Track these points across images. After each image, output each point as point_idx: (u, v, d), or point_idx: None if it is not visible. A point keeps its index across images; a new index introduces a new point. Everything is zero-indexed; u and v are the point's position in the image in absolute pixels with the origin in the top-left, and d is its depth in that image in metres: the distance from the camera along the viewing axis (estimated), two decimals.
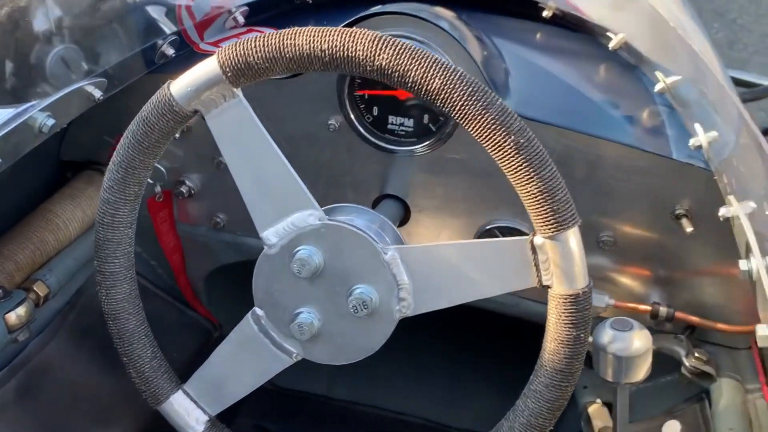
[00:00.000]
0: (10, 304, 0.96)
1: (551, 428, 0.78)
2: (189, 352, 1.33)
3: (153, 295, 1.32)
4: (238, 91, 0.75)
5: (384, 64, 0.68)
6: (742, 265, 0.82)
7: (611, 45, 1.11)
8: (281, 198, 0.79)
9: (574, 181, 0.90)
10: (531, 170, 0.68)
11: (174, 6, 1.14)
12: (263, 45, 0.71)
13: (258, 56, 0.71)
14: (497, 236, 1.08)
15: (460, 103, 0.67)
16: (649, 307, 1.05)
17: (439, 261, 0.77)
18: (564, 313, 0.72)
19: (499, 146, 0.68)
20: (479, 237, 1.09)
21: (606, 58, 1.14)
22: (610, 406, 1.14)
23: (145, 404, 0.90)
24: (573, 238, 0.70)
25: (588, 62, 1.15)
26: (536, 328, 1.32)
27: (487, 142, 0.69)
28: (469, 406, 1.58)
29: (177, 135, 0.85)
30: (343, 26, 0.71)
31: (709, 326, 1.03)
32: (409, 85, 0.68)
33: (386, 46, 0.68)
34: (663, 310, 1.04)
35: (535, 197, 0.69)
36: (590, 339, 0.84)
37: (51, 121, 0.88)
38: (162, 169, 1.18)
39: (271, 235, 0.80)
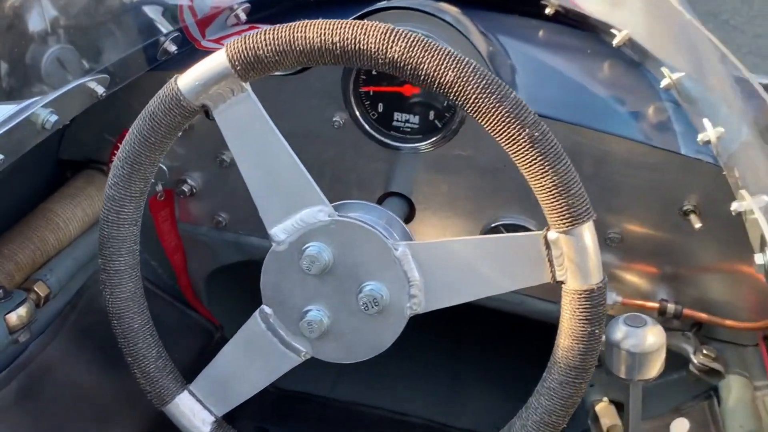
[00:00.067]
0: (10, 305, 0.94)
1: (564, 426, 0.77)
2: (190, 354, 1.31)
3: (153, 295, 1.30)
4: (247, 85, 0.74)
5: (396, 57, 0.67)
6: (758, 259, 0.81)
7: (615, 42, 1.11)
8: (290, 194, 0.77)
9: (581, 177, 0.89)
10: (546, 164, 0.67)
11: (173, 5, 1.12)
12: (273, 38, 0.70)
13: (268, 49, 0.70)
14: (503, 234, 1.07)
15: (474, 96, 0.66)
16: (656, 304, 1.04)
17: (451, 257, 0.76)
18: (579, 308, 0.71)
19: (514, 140, 0.67)
20: (485, 234, 1.08)
21: (610, 55, 1.14)
22: (617, 404, 1.13)
23: (148, 405, 0.89)
24: (588, 232, 0.69)
25: (592, 59, 1.15)
26: (538, 327, 1.32)
27: (500, 135, 0.68)
28: (471, 406, 1.57)
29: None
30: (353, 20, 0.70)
31: (717, 323, 1.02)
32: (422, 78, 0.67)
33: (398, 39, 0.67)
34: (671, 307, 1.04)
35: (550, 191, 0.68)
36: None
37: (54, 118, 0.86)
38: (163, 167, 1.17)
39: (280, 231, 0.79)
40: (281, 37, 0.69)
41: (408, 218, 1.11)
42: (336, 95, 1.05)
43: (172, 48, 1.08)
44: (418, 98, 1.03)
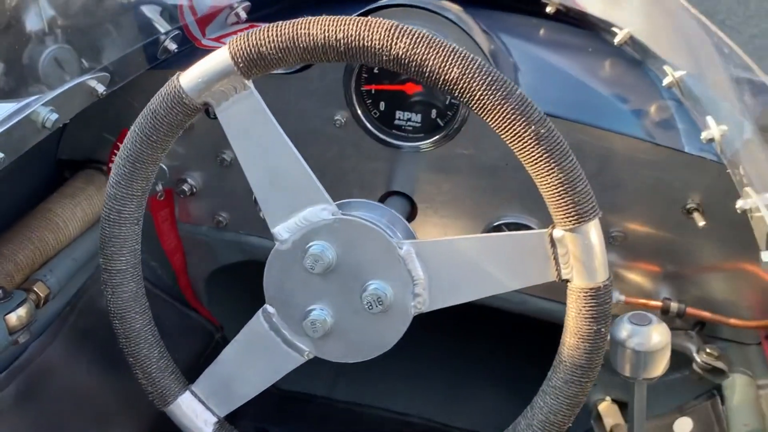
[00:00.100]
0: (10, 305, 0.93)
1: (570, 425, 0.77)
2: (190, 354, 1.31)
3: (153, 296, 1.29)
4: (250, 83, 0.73)
5: (401, 53, 0.66)
6: (764, 256, 0.81)
7: (617, 40, 1.11)
8: (293, 192, 0.77)
9: None
10: (551, 161, 0.67)
11: (171, 4, 1.12)
12: (276, 35, 0.69)
13: (271, 46, 0.69)
14: (508, 232, 1.07)
15: (479, 93, 0.66)
16: (659, 303, 1.04)
17: (455, 255, 0.76)
18: (584, 307, 0.71)
19: (519, 137, 0.67)
20: (487, 233, 1.08)
21: (611, 53, 1.14)
22: (619, 403, 1.13)
23: (148, 407, 0.88)
24: (594, 230, 0.69)
25: (593, 57, 1.14)
26: (540, 327, 1.32)
27: (506, 132, 0.67)
28: (472, 406, 1.56)
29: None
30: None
31: (721, 321, 1.02)
32: (427, 74, 0.67)
33: (403, 36, 0.66)
34: (674, 305, 1.03)
35: (556, 189, 0.67)
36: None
37: (54, 116, 0.86)
38: (163, 167, 1.16)
39: (283, 230, 0.78)
40: (284, 33, 0.69)
41: (410, 217, 1.11)
42: (337, 94, 1.04)
43: (173, 46, 1.07)
44: (420, 97, 1.03)
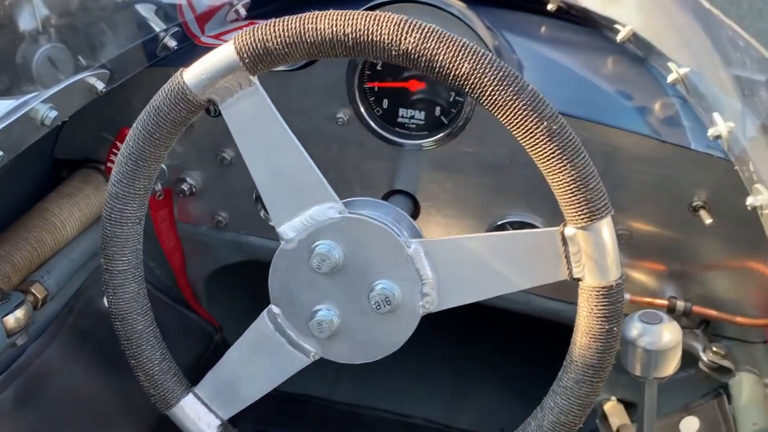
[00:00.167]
0: (8, 307, 0.91)
1: (581, 426, 0.75)
2: (190, 356, 1.29)
3: (152, 297, 1.26)
4: (255, 79, 0.72)
5: (410, 48, 0.65)
6: None
7: (619, 37, 1.10)
8: (299, 190, 0.76)
9: None
10: (564, 158, 0.66)
11: (167, 3, 1.10)
12: (283, 29, 0.68)
13: (277, 41, 0.68)
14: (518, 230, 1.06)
15: (491, 89, 0.65)
16: (665, 302, 1.03)
17: (464, 254, 0.74)
18: (597, 306, 0.69)
19: (531, 133, 0.65)
20: (491, 232, 1.07)
21: (613, 50, 1.13)
22: (625, 403, 1.12)
23: (148, 409, 0.87)
24: (606, 228, 0.68)
25: (597, 55, 1.14)
26: (542, 327, 1.31)
27: (517, 128, 0.66)
28: (474, 407, 1.55)
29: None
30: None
31: (727, 320, 1.01)
32: (437, 70, 0.66)
33: (412, 30, 0.65)
34: (680, 304, 1.02)
35: (568, 186, 0.66)
36: None
37: (53, 113, 0.84)
38: (163, 166, 1.14)
39: (289, 229, 0.77)
40: (291, 28, 0.68)
41: (413, 216, 1.09)
42: (340, 91, 1.03)
43: (172, 43, 1.05)
44: (423, 94, 1.02)
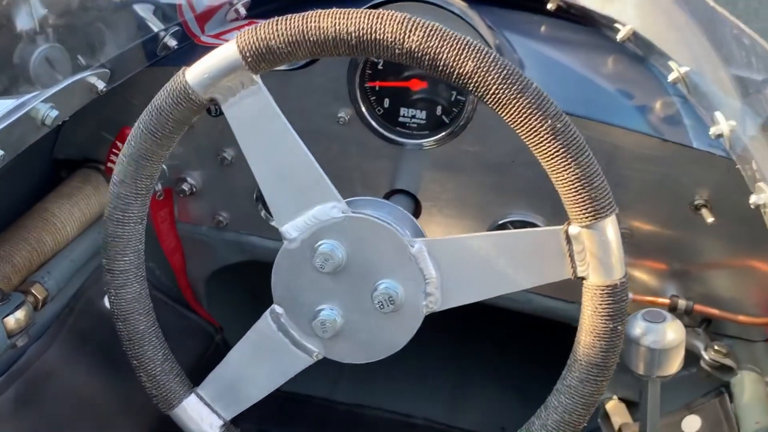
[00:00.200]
0: (8, 308, 0.91)
1: (585, 425, 0.75)
2: (190, 357, 1.29)
3: (152, 297, 1.27)
4: (258, 78, 0.72)
5: (414, 47, 0.65)
6: None
7: (619, 36, 1.10)
8: (302, 190, 0.75)
9: None
10: (568, 156, 0.65)
11: (165, 3, 1.10)
12: (286, 28, 0.67)
13: (280, 40, 0.68)
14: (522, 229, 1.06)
15: (495, 87, 0.65)
16: (667, 300, 1.03)
17: (468, 253, 0.74)
18: (601, 305, 0.69)
19: (535, 131, 0.65)
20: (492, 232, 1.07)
21: (613, 50, 1.13)
22: (627, 402, 1.12)
23: (149, 410, 0.86)
24: (610, 226, 0.68)
25: (597, 54, 1.14)
26: (543, 326, 1.30)
27: (521, 127, 0.66)
28: (475, 406, 1.55)
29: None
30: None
31: (729, 318, 1.01)
32: (440, 68, 0.65)
33: (416, 28, 0.65)
34: (682, 302, 1.02)
35: (572, 184, 0.66)
36: None
37: (54, 113, 0.84)
38: (163, 165, 1.14)
39: (292, 228, 0.77)
40: (294, 27, 0.67)
41: (414, 216, 1.09)
42: (341, 91, 1.03)
43: (172, 43, 1.05)
44: (424, 94, 1.02)
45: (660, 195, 0.99)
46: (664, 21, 1.21)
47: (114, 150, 1.13)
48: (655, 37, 1.09)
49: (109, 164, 1.14)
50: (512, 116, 0.66)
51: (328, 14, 0.67)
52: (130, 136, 0.75)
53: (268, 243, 1.19)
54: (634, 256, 1.05)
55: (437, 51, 0.65)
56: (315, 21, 0.67)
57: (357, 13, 0.66)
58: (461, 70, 0.65)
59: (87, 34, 1.02)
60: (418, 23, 0.65)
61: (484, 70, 0.64)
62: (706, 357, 1.02)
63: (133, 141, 0.75)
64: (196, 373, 0.88)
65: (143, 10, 1.07)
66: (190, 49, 1.09)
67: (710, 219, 0.95)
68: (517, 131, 0.67)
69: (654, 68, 1.09)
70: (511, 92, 0.64)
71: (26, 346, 0.96)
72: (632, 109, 1.03)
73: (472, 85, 0.65)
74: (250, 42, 0.69)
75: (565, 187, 0.67)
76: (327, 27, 0.66)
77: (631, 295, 1.04)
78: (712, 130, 0.93)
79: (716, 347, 1.02)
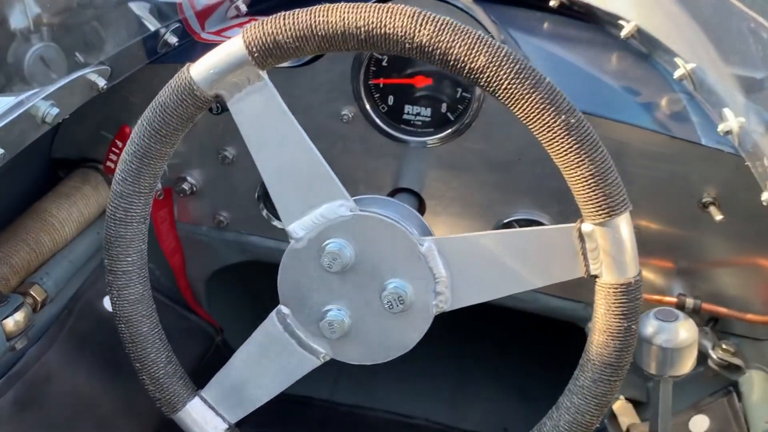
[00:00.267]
0: (7, 310, 0.89)
1: (597, 426, 0.74)
2: (190, 358, 1.27)
3: None
4: (264, 74, 0.70)
5: (425, 41, 0.64)
6: None
7: (623, 33, 1.09)
8: (310, 188, 0.74)
9: None
10: (582, 152, 0.64)
11: (161, 2, 1.08)
12: (293, 23, 0.66)
13: (288, 35, 0.66)
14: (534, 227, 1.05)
15: (507, 82, 0.63)
16: (674, 299, 1.03)
17: (479, 252, 0.73)
18: (614, 303, 0.68)
19: (549, 127, 0.64)
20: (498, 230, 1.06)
21: (617, 46, 1.12)
22: (634, 402, 1.11)
23: (149, 412, 0.85)
24: (624, 224, 0.67)
25: (601, 50, 1.13)
26: (546, 326, 1.29)
27: (534, 122, 0.65)
28: (476, 407, 1.54)
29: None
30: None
31: (737, 317, 1.00)
32: (452, 63, 0.64)
33: (427, 22, 0.63)
34: (689, 301, 1.02)
35: (586, 181, 0.65)
36: None
37: (55, 111, 0.82)
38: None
39: (299, 228, 0.75)
40: (302, 21, 0.66)
41: None
42: (345, 88, 1.02)
43: (173, 40, 1.04)
44: (430, 91, 1.00)
45: (667, 192, 0.98)
46: (668, 17, 1.21)
47: (113, 149, 1.11)
48: (660, 33, 1.09)
49: (108, 163, 1.12)
50: (525, 112, 0.64)
51: (337, 8, 0.65)
52: (133, 133, 0.74)
53: (270, 243, 1.18)
54: (641, 255, 1.03)
55: (449, 45, 0.63)
56: (323, 15, 0.65)
57: (366, 6, 0.65)
58: (473, 65, 0.64)
59: (84, 33, 1.00)
60: (429, 17, 0.64)
61: (497, 64, 0.63)
62: (714, 356, 1.01)
63: (136, 139, 0.73)
64: (196, 375, 0.86)
65: (143, 8, 1.06)
66: (191, 46, 1.07)
67: (719, 217, 0.94)
68: (530, 127, 0.65)
69: (659, 65, 1.08)
70: (523, 87, 0.63)
71: (25, 348, 0.94)
72: (639, 105, 1.02)
73: (484, 79, 0.64)
74: (256, 37, 0.67)
75: (578, 184, 0.66)
76: (335, 21, 0.65)
77: None
78: (721, 127, 0.92)
79: (724, 346, 1.01)
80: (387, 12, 0.64)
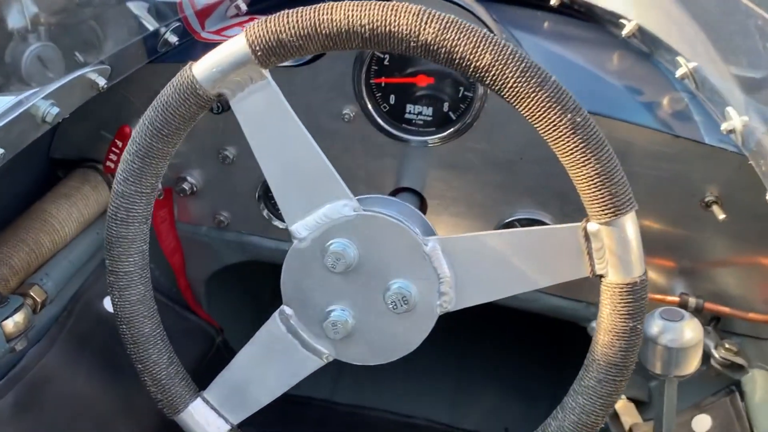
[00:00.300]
0: (7, 311, 0.88)
1: (602, 426, 0.74)
2: (191, 359, 1.26)
3: None
4: (267, 72, 0.70)
5: (429, 39, 0.63)
6: None
7: (624, 32, 1.09)
8: (313, 187, 0.73)
9: None
10: (588, 151, 0.64)
11: (159, 1, 1.08)
12: (297, 21, 0.65)
13: (291, 33, 0.66)
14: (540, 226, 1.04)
15: (513, 81, 0.63)
16: (677, 299, 1.02)
17: (483, 251, 0.73)
18: (620, 303, 0.68)
19: (554, 126, 0.64)
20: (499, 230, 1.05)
21: (618, 45, 1.12)
22: (635, 402, 1.11)
23: (151, 414, 0.84)
24: (630, 223, 0.66)
25: (602, 49, 1.12)
26: (545, 326, 1.29)
27: (540, 121, 0.64)
28: (477, 406, 1.54)
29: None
30: None
31: (740, 316, 1.00)
32: (457, 61, 0.64)
33: (432, 20, 0.63)
34: (692, 301, 1.01)
35: (592, 180, 0.65)
36: None
37: (55, 110, 0.81)
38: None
39: (302, 228, 0.74)
40: (306, 19, 0.65)
41: None
42: (346, 87, 1.01)
43: (173, 39, 1.03)
44: (432, 90, 1.00)
45: (670, 192, 0.98)
46: (668, 15, 1.20)
47: (113, 148, 1.11)
48: (661, 32, 1.08)
49: (108, 163, 1.12)
50: (530, 110, 0.64)
51: (341, 6, 0.65)
52: (134, 133, 0.73)
53: (270, 243, 1.17)
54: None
55: (454, 43, 0.63)
56: (327, 13, 0.65)
57: (371, 4, 0.64)
58: (478, 63, 0.63)
59: (83, 32, 1.00)
60: (434, 15, 0.63)
61: (503, 63, 0.63)
62: (717, 355, 1.01)
63: (138, 138, 0.72)
64: (197, 376, 0.86)
65: (143, 7, 1.05)
66: (191, 46, 1.07)
67: (722, 216, 0.94)
68: (535, 126, 0.65)
69: (660, 64, 1.08)
70: (529, 86, 0.63)
71: (25, 349, 0.94)
72: (640, 104, 1.02)
73: (490, 78, 0.64)
74: (259, 35, 0.67)
75: (584, 183, 0.65)
76: (340, 19, 0.65)
77: None
78: (724, 126, 0.91)
79: (727, 345, 1.01)
80: (392, 10, 0.64)
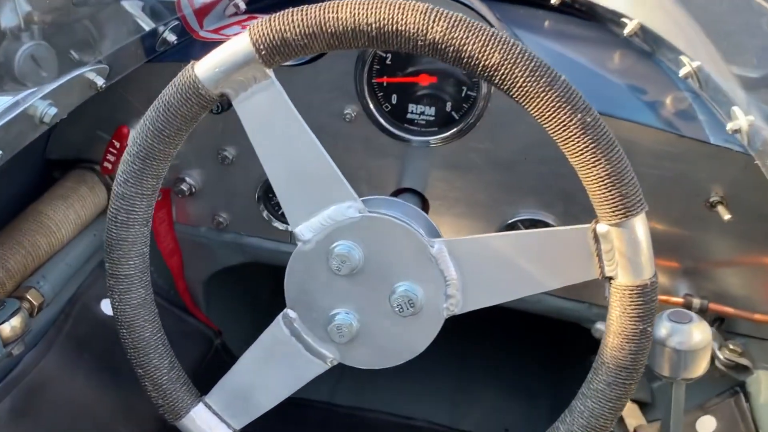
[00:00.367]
0: (3, 315, 0.88)
1: (611, 429, 0.73)
2: (190, 362, 1.25)
3: None
4: (270, 72, 0.68)
5: (437, 38, 0.62)
6: None
7: (626, 31, 1.08)
8: (317, 189, 0.72)
9: None
10: (598, 152, 0.63)
11: (156, 1, 1.06)
12: (302, 19, 0.64)
13: (296, 32, 0.64)
14: (521, 230, 1.03)
15: (522, 80, 0.62)
16: (681, 299, 1.02)
17: (491, 254, 0.71)
18: (630, 305, 0.67)
19: (564, 126, 0.63)
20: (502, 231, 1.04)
21: (620, 45, 1.11)
22: (640, 403, 1.10)
23: (150, 419, 0.83)
24: (640, 224, 0.66)
25: (604, 49, 1.12)
26: (546, 328, 1.28)
27: (549, 121, 0.63)
28: (477, 407, 1.53)
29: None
30: None
31: (745, 317, 0.99)
32: (465, 60, 0.63)
33: (440, 19, 0.62)
34: (696, 301, 1.01)
35: (602, 181, 0.64)
36: None
37: (53, 110, 0.80)
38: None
39: (306, 230, 0.73)
40: (311, 18, 0.64)
41: None
42: (348, 87, 1.00)
43: (172, 38, 1.01)
44: (434, 89, 0.99)
45: (675, 192, 0.98)
46: (670, 14, 1.20)
47: (110, 149, 1.09)
48: (663, 31, 1.08)
49: (105, 164, 1.10)
50: (540, 110, 0.63)
51: (346, 4, 0.64)
52: (135, 133, 0.72)
53: (270, 244, 1.16)
54: None
55: (462, 42, 0.62)
56: (333, 12, 0.64)
57: (377, 2, 0.63)
58: (487, 62, 0.62)
59: (77, 31, 0.98)
60: (442, 13, 0.62)
61: (511, 62, 0.62)
62: (721, 356, 1.00)
63: (139, 139, 0.71)
64: (195, 379, 0.84)
65: (141, 6, 1.03)
66: (189, 45, 1.05)
67: (727, 216, 0.93)
68: (545, 125, 0.64)
69: (662, 63, 1.07)
70: (539, 85, 0.62)
71: (22, 354, 0.93)
72: (644, 104, 1.01)
73: (498, 77, 0.63)
74: (264, 34, 0.65)
75: (594, 184, 0.64)
76: (346, 18, 0.63)
77: None
78: (730, 125, 0.91)
79: (731, 346, 1.00)
80: (399, 8, 0.62)
